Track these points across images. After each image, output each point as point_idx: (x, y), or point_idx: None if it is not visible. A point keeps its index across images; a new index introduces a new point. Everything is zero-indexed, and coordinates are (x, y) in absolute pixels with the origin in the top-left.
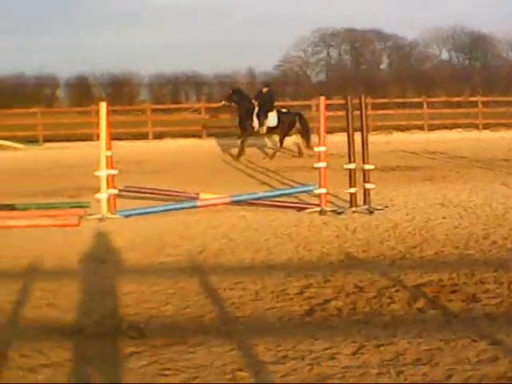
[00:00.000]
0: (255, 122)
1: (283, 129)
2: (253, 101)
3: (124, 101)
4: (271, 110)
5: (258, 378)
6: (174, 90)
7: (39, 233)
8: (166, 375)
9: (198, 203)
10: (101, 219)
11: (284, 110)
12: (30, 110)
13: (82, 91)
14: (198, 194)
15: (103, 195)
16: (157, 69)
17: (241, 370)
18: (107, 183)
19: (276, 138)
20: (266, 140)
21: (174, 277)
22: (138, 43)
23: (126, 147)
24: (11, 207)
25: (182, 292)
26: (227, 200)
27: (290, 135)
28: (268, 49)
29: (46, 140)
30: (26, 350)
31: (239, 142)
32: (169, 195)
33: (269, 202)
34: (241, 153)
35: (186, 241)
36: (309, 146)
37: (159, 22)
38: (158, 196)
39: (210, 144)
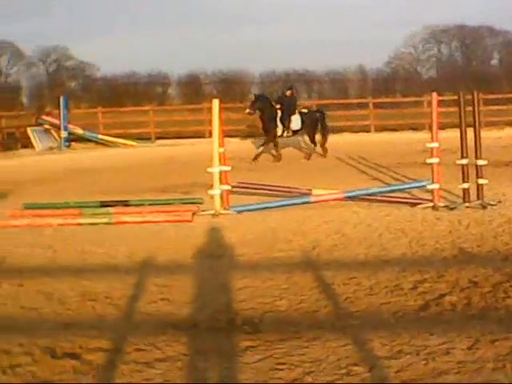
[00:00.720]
0: (279, 128)
1: (308, 128)
2: (273, 103)
3: (235, 98)
4: (294, 113)
5: (372, 372)
6: (285, 88)
7: (153, 229)
8: (281, 370)
9: (311, 199)
10: (214, 215)
11: (305, 111)
12: (143, 108)
13: (193, 89)
14: (310, 189)
15: (216, 191)
16: (268, 66)
17: (356, 364)
18: (220, 179)
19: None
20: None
21: (288, 272)
22: (249, 41)
23: (237, 144)
24: (126, 203)
25: (295, 287)
26: (340, 196)
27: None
28: (379, 45)
29: (158, 137)
30: (141, 344)
31: (260, 148)
32: (281, 191)
33: (381, 198)
34: (278, 156)
35: (299, 236)
36: (324, 144)
37: (270, 19)
38: (269, 192)
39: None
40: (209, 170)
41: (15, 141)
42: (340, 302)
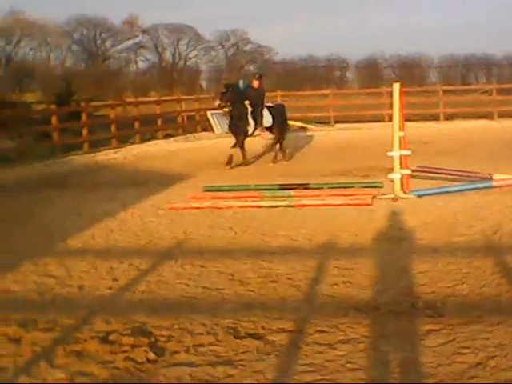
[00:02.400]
0: (251, 126)
1: (280, 125)
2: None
3: (414, 82)
4: (263, 108)
5: None
6: (463, 72)
7: (333, 212)
8: (464, 354)
9: (493, 183)
10: (394, 199)
11: (270, 104)
12: (323, 92)
13: (372, 73)
14: (491, 174)
15: (396, 175)
16: (447, 51)
17: None
18: (400, 163)
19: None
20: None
21: (469, 256)
22: (427, 24)
23: (416, 128)
24: (305, 186)
25: (477, 271)
26: None
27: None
28: None
29: (337, 121)
30: (323, 325)
31: (233, 148)
32: (461, 176)
33: None
34: (245, 159)
35: (480, 221)
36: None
37: (449, 3)
38: (449, 176)
39: (501, 125)
40: (389, 153)
41: (195, 124)
42: None
